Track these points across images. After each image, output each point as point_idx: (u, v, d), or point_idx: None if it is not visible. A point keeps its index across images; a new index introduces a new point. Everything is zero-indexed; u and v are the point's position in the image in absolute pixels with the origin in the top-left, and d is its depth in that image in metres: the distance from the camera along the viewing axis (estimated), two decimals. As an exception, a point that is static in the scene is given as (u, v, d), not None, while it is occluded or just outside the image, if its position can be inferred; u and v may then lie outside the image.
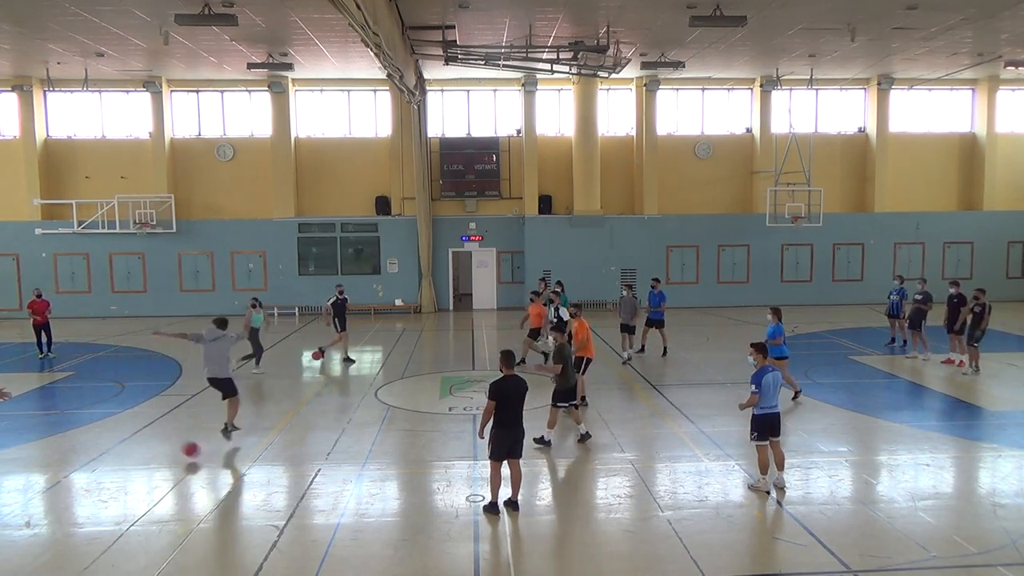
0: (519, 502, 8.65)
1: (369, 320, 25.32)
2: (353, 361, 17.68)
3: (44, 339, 18.19)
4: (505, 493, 8.68)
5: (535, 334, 16.68)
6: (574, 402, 11.01)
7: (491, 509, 8.46)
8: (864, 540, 7.76)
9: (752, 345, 9.29)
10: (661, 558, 7.48)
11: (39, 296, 18.51)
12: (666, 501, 8.88)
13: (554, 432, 11.00)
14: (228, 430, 11.15)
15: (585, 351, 12.61)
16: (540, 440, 10.73)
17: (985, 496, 9.06)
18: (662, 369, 16.33)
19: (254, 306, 16.57)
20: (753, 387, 8.97)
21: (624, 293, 17.19)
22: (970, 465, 10.36)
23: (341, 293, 17.86)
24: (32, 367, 17.45)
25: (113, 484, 9.64)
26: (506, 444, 8.47)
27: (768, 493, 8.96)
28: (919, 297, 17.07)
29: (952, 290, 16.62)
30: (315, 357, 16.67)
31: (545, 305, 18.99)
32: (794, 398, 13.19)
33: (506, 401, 8.42)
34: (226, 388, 11.18)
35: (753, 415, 9.09)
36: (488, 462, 8.63)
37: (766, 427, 9.05)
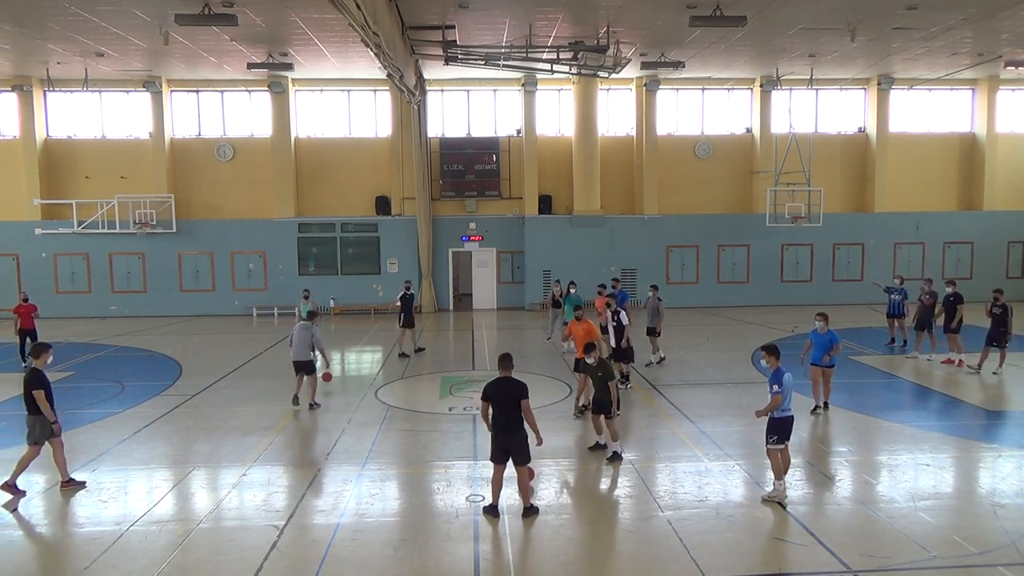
0: (534, 506, 8.51)
1: (369, 320, 25.34)
2: (423, 349, 18.77)
3: (29, 344, 17.58)
4: (506, 503, 8.68)
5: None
6: (618, 412, 10.41)
7: (490, 511, 8.46)
8: (864, 540, 7.75)
9: (762, 348, 9.21)
10: (661, 558, 7.48)
11: (26, 300, 18.03)
12: (666, 501, 8.88)
13: (607, 438, 10.51)
14: (312, 406, 13.19)
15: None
16: (614, 456, 10.21)
17: (985, 496, 9.05)
18: (662, 369, 16.32)
19: (306, 297, 17.46)
20: (775, 387, 8.72)
21: (650, 294, 16.98)
22: (970, 465, 10.35)
23: (408, 289, 18.45)
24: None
25: (113, 484, 9.64)
26: (501, 446, 8.44)
27: (783, 505, 8.63)
28: (926, 297, 17.04)
29: (948, 289, 16.62)
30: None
31: (558, 306, 18.89)
32: (813, 411, 12.42)
33: (497, 403, 8.43)
34: (306, 369, 13.28)
35: (772, 418, 8.84)
36: (491, 464, 8.63)
37: (786, 430, 8.87)
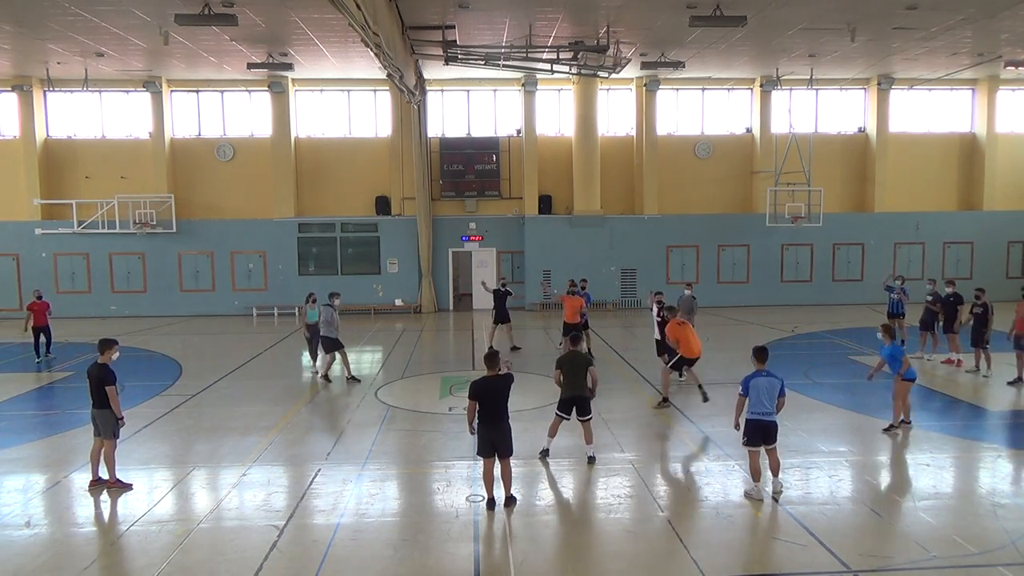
0: (513, 496, 8.73)
1: (369, 320, 25.33)
2: (519, 348, 18.80)
3: (43, 341, 17.97)
4: (500, 493, 8.71)
5: (568, 329, 16.55)
6: (566, 416, 10.22)
7: (488, 505, 8.59)
8: (864, 540, 7.76)
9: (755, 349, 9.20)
10: (661, 558, 7.48)
11: (39, 298, 18.20)
12: (666, 501, 8.88)
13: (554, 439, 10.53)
14: (351, 379, 15.10)
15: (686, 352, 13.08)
16: (544, 452, 10.27)
17: (985, 496, 9.04)
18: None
19: (313, 302, 17.06)
20: (740, 390, 8.88)
21: (685, 292, 17.07)
22: (970, 465, 10.35)
23: (504, 285, 19.21)
24: (31, 367, 17.45)
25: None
26: (487, 440, 8.59)
27: (762, 501, 8.75)
28: (929, 298, 17.01)
29: (948, 289, 16.62)
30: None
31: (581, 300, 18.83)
32: (895, 426, 11.33)
33: (485, 400, 8.59)
34: (333, 346, 15.08)
35: (746, 419, 8.88)
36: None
37: (757, 433, 8.81)
